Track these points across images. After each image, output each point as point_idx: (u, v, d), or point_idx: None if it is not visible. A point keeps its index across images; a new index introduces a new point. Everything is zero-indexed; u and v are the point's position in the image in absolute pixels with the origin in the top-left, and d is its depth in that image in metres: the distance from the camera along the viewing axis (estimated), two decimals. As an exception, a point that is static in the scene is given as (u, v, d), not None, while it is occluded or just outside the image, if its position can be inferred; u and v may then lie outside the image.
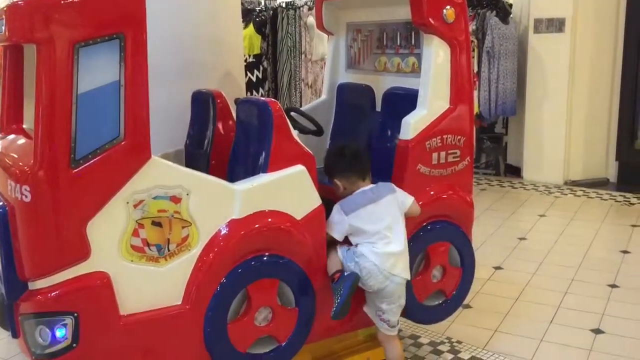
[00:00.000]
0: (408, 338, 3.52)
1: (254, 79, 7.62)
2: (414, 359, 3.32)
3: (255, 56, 7.64)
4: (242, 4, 4.48)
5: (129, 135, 2.21)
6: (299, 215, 2.63)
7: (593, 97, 6.89)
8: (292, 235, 2.60)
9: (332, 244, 2.79)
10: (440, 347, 3.43)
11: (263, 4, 8.02)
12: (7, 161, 2.36)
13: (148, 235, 2.32)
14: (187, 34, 3.45)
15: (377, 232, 2.71)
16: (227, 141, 3.12)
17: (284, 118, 2.62)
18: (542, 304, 3.95)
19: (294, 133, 2.69)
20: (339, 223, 2.74)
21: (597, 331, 3.59)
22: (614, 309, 3.86)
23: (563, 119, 6.85)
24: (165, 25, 3.28)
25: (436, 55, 2.93)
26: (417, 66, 3.22)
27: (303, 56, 7.48)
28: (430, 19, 2.86)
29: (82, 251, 2.19)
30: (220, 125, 3.22)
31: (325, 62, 4.55)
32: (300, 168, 2.63)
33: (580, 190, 6.69)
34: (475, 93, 6.66)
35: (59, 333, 2.20)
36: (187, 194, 2.37)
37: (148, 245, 2.33)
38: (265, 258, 2.57)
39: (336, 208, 2.77)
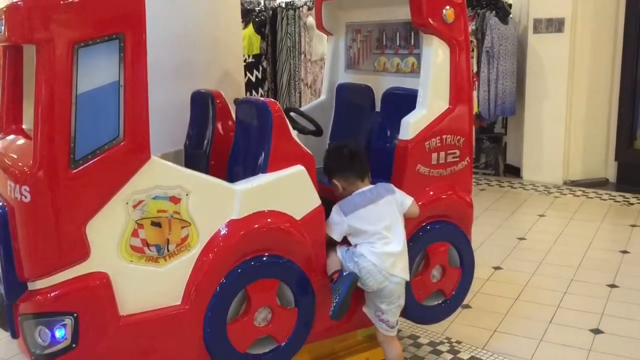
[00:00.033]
0: (407, 338, 3.53)
1: (253, 79, 7.62)
2: (413, 359, 3.33)
3: (254, 56, 7.64)
4: (241, 4, 4.48)
5: (129, 136, 2.21)
6: (298, 216, 2.63)
7: (592, 97, 6.89)
8: (291, 236, 2.60)
9: (331, 244, 2.79)
10: (439, 347, 3.44)
11: (262, 4, 8.01)
12: (7, 162, 2.36)
13: (147, 235, 2.32)
14: (186, 34, 3.45)
15: (377, 233, 2.71)
16: (226, 141, 3.12)
17: (284, 118, 2.62)
18: (541, 304, 3.95)
19: (294, 133, 2.69)
20: (338, 224, 2.74)
21: (597, 331, 3.60)
22: (613, 309, 3.86)
23: (562, 119, 6.85)
24: (165, 25, 3.28)
25: (435, 55, 2.93)
26: (417, 66, 3.22)
27: (302, 56, 7.48)
28: (429, 19, 2.86)
29: (82, 251, 2.19)
30: (219, 126, 3.22)
31: (324, 62, 4.55)
32: (299, 168, 2.63)
33: (580, 190, 6.70)
34: (475, 93, 6.67)
35: (59, 333, 2.20)
36: (187, 194, 2.37)
37: (147, 245, 2.33)
38: (264, 258, 2.57)
39: (335, 209, 2.77)
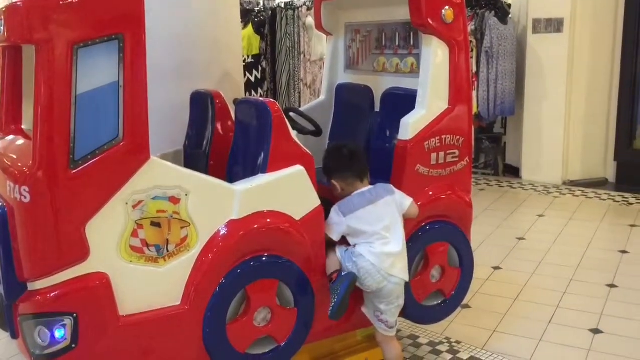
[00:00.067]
0: (407, 338, 3.53)
1: (252, 79, 7.62)
2: (413, 359, 3.33)
3: (254, 56, 7.64)
4: (240, 4, 4.48)
5: (128, 136, 2.22)
6: (298, 216, 2.63)
7: (591, 97, 6.90)
8: (291, 236, 2.60)
9: (330, 244, 2.79)
10: (439, 347, 3.44)
11: (262, 4, 8.02)
12: (6, 162, 2.35)
13: (147, 235, 2.32)
14: (186, 35, 3.45)
15: (376, 233, 2.71)
16: (226, 142, 3.12)
17: (283, 118, 2.62)
18: (540, 303, 3.95)
19: (293, 133, 2.69)
20: (337, 224, 2.75)
21: (596, 331, 3.60)
22: (612, 309, 3.87)
23: (561, 119, 6.85)
24: (165, 25, 3.28)
25: (435, 55, 2.93)
26: (416, 66, 3.22)
27: (302, 56, 7.48)
28: (429, 20, 2.86)
29: (81, 252, 2.19)
30: (219, 126, 3.22)
31: (324, 63, 4.56)
32: (299, 168, 2.63)
33: (579, 190, 6.70)
34: (474, 93, 6.67)
35: (58, 334, 2.20)
36: (186, 195, 2.37)
37: (147, 245, 2.33)
38: (264, 258, 2.57)
39: (334, 209, 2.77)
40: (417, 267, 3.03)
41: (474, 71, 6.66)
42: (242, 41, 6.49)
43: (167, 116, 3.29)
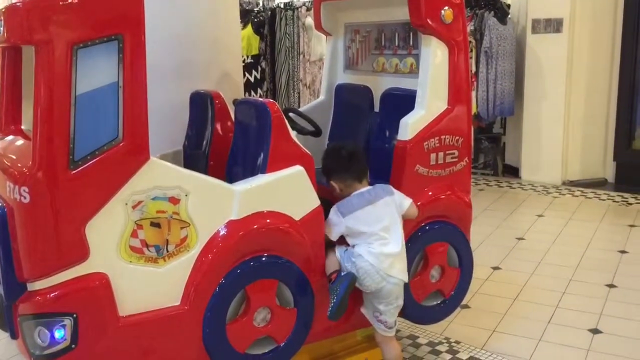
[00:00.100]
0: (406, 338, 3.53)
1: (252, 79, 7.62)
2: (412, 359, 3.33)
3: (253, 57, 7.65)
4: (240, 4, 4.48)
5: (128, 137, 2.22)
6: (297, 216, 2.63)
7: (591, 97, 6.90)
8: (290, 236, 2.60)
9: (330, 244, 2.79)
10: (438, 347, 3.44)
11: (261, 4, 8.02)
12: (6, 162, 2.36)
13: (147, 236, 2.32)
14: (185, 35, 3.45)
15: (374, 234, 2.71)
16: (225, 142, 3.12)
17: (282, 119, 2.62)
18: (540, 304, 3.96)
19: (293, 134, 2.69)
20: (336, 225, 2.75)
21: (595, 331, 3.60)
22: (611, 309, 3.87)
23: (561, 119, 6.86)
24: (164, 26, 3.28)
25: (434, 55, 2.93)
26: (415, 67, 3.22)
27: (301, 57, 7.49)
28: (428, 20, 2.87)
29: (81, 252, 2.19)
30: (218, 126, 3.22)
31: (323, 63, 4.56)
32: (298, 169, 2.63)
33: (578, 190, 6.70)
34: (473, 93, 6.67)
35: (58, 334, 2.20)
36: (186, 195, 2.37)
37: (147, 246, 2.33)
38: (263, 259, 2.57)
39: (333, 210, 2.77)
40: (416, 267, 3.03)
41: (473, 71, 6.66)
42: (242, 41, 6.49)
43: (166, 116, 3.29)
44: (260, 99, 2.84)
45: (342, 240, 2.80)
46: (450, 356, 3.36)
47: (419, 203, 2.90)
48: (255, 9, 7.86)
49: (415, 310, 3.04)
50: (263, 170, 2.60)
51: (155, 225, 2.33)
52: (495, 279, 4.37)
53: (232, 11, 3.88)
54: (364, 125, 3.45)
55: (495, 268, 4.56)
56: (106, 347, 2.30)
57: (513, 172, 7.38)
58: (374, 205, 2.74)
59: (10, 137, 2.65)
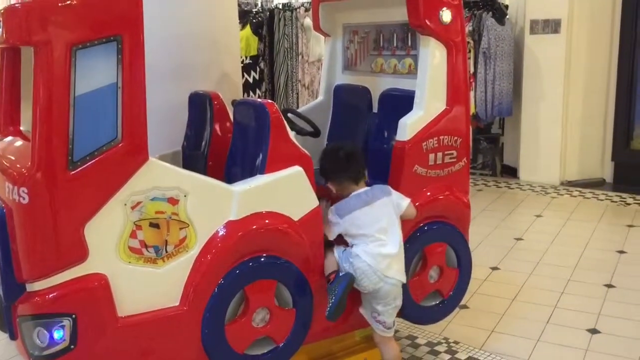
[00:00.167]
0: (405, 339, 3.53)
1: (250, 80, 7.62)
2: (411, 359, 3.34)
3: (252, 57, 7.64)
4: (238, 5, 4.48)
5: (127, 137, 2.22)
6: (296, 217, 2.63)
7: (589, 97, 6.91)
8: (289, 237, 2.60)
9: (329, 244, 2.80)
10: (437, 348, 3.44)
11: (260, 5, 8.02)
12: (5, 163, 2.36)
13: (146, 236, 2.32)
14: (184, 36, 3.45)
15: (372, 235, 2.71)
16: (224, 142, 3.12)
17: (281, 119, 2.63)
18: (538, 304, 3.96)
19: (291, 134, 2.69)
20: (334, 225, 2.75)
21: (594, 331, 3.61)
22: (610, 309, 3.88)
23: (559, 120, 6.87)
24: (163, 27, 3.28)
25: (432, 56, 2.94)
26: (414, 67, 3.23)
27: (300, 57, 7.49)
28: (426, 21, 2.87)
29: (80, 253, 2.19)
30: (217, 127, 3.22)
31: (322, 64, 4.56)
32: (297, 169, 2.64)
33: (577, 190, 6.71)
34: (472, 94, 6.68)
35: (57, 335, 2.20)
36: (185, 196, 2.37)
37: (146, 246, 2.33)
38: (262, 259, 2.57)
39: (331, 210, 2.78)
40: (415, 268, 3.03)
41: (471, 72, 6.67)
42: (240, 42, 6.49)
43: (165, 117, 3.30)
44: (259, 100, 2.85)
45: (340, 241, 2.80)
46: (449, 356, 3.36)
47: (417, 203, 2.90)
48: (254, 10, 7.86)
49: (414, 310, 3.05)
50: (262, 170, 2.60)
51: (154, 225, 2.33)
52: (494, 279, 4.37)
53: (230, 12, 3.88)
54: (363, 125, 3.45)
55: (494, 268, 4.57)
56: (105, 347, 2.30)
57: (511, 172, 7.39)
58: (371, 206, 2.74)
59: (9, 138, 2.65)
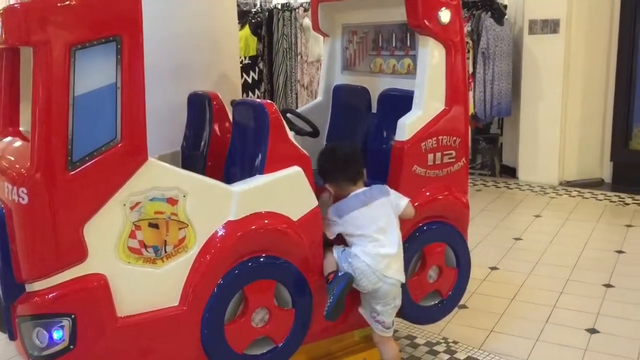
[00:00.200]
0: (404, 339, 3.53)
1: (249, 80, 7.62)
2: (410, 359, 3.33)
3: (251, 58, 7.64)
4: (237, 5, 4.48)
5: (126, 137, 2.22)
6: (295, 217, 2.64)
7: (587, 97, 6.92)
8: (288, 237, 2.60)
9: (328, 244, 2.80)
10: (436, 348, 3.45)
11: (259, 5, 8.02)
12: (4, 163, 2.36)
13: (145, 237, 2.32)
14: (183, 36, 3.45)
15: (370, 235, 2.71)
16: (223, 143, 3.12)
17: (280, 119, 2.63)
18: (537, 304, 3.96)
19: (290, 134, 2.70)
20: (334, 225, 2.75)
21: (592, 331, 3.61)
22: (609, 309, 3.88)
23: (558, 120, 6.87)
24: (162, 27, 3.28)
25: (431, 56, 2.94)
26: (413, 67, 3.23)
27: (299, 57, 7.49)
28: (425, 21, 2.87)
29: (79, 253, 2.20)
30: (216, 127, 3.22)
31: (321, 64, 4.56)
32: (296, 169, 2.64)
33: (575, 190, 6.72)
34: (471, 94, 6.68)
35: (56, 335, 2.20)
36: (184, 196, 2.37)
37: (145, 246, 2.33)
38: (262, 259, 2.57)
39: (330, 210, 2.78)
40: (414, 268, 3.04)
41: (470, 72, 6.67)
42: (239, 42, 6.49)
43: (164, 117, 3.29)
44: (258, 100, 2.85)
45: (339, 240, 2.80)
46: (448, 356, 3.36)
47: (416, 203, 2.91)
48: (253, 10, 7.86)
49: (413, 310, 3.05)
50: (261, 171, 2.60)
51: (154, 226, 2.33)
52: (493, 279, 4.38)
53: (229, 12, 3.88)
54: (362, 126, 3.46)
55: (493, 268, 4.57)
56: (105, 347, 2.30)
57: (510, 172, 7.40)
58: (369, 206, 2.74)
59: (9, 139, 2.65)
